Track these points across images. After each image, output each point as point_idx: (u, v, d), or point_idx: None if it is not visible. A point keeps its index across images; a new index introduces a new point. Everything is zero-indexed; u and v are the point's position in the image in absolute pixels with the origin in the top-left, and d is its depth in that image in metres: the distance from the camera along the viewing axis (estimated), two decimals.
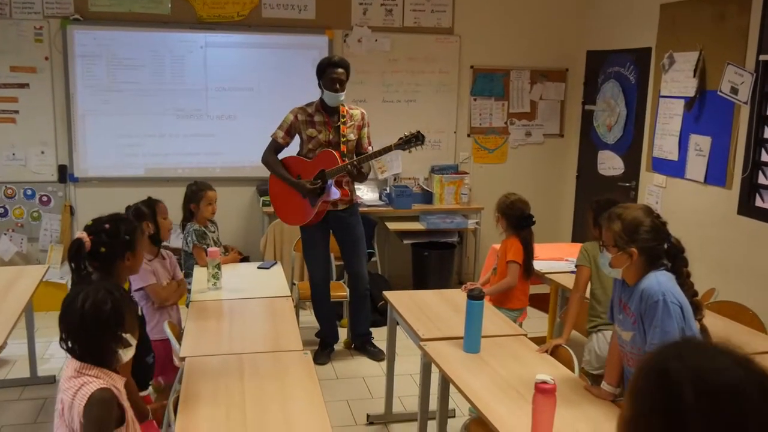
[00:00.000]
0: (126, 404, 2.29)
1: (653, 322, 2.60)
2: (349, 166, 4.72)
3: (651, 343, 2.60)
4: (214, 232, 4.71)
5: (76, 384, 2.19)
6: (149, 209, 3.84)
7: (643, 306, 2.64)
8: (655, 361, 1.23)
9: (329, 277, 5.23)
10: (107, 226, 2.82)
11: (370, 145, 4.99)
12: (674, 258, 2.72)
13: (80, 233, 2.78)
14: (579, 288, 3.81)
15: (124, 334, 2.28)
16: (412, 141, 4.76)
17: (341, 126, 4.85)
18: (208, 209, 4.61)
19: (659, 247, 2.69)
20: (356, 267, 5.11)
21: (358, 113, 4.94)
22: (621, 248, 2.71)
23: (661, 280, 2.64)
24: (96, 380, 2.20)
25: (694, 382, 1.14)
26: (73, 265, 2.76)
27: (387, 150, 4.78)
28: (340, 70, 4.77)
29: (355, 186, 5.17)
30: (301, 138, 4.92)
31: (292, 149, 5.08)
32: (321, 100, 4.86)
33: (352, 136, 4.89)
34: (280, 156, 5.01)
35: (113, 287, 2.35)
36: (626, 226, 2.70)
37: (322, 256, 5.10)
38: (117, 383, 2.27)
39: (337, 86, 4.76)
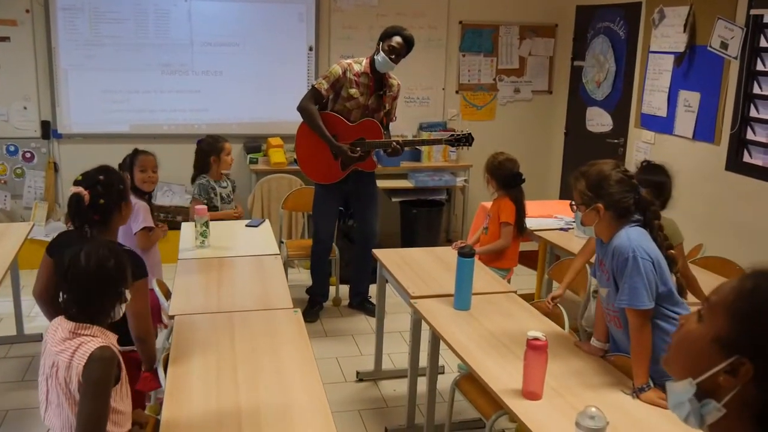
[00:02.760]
0: (121, 362, 2.28)
1: (623, 278, 2.60)
2: (395, 144, 4.74)
3: (620, 299, 2.60)
4: (226, 187, 4.74)
5: (73, 345, 2.18)
6: (129, 159, 3.88)
7: (615, 263, 2.63)
8: (749, 278, 1.19)
9: (333, 235, 5.24)
10: (101, 177, 2.81)
11: (395, 116, 5.01)
12: (644, 211, 2.69)
13: (75, 188, 2.76)
14: (585, 253, 3.62)
15: (125, 290, 2.31)
16: (462, 140, 4.88)
17: (383, 97, 4.81)
18: (227, 159, 4.67)
19: (626, 200, 2.66)
20: (371, 223, 5.11)
21: (395, 84, 4.90)
22: (588, 205, 2.69)
23: (632, 236, 2.62)
24: (94, 339, 2.19)
25: None
26: (76, 221, 2.76)
27: (437, 142, 5.08)
28: (403, 42, 4.68)
29: None
30: (339, 94, 4.78)
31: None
32: (372, 63, 4.76)
33: (387, 107, 4.88)
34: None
35: (110, 243, 2.38)
36: (590, 182, 2.69)
37: (332, 213, 5.11)
38: (113, 341, 2.27)
39: (393, 56, 4.68)
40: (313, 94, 4.76)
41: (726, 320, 1.16)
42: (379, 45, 4.72)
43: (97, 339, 2.20)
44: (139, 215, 3.70)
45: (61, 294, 2.28)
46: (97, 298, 2.25)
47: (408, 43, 4.71)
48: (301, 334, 2.90)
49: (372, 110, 4.80)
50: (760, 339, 1.12)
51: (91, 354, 2.14)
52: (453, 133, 4.92)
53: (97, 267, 2.23)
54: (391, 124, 5.03)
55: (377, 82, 4.79)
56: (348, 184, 4.94)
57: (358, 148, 4.75)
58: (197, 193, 4.63)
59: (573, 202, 2.78)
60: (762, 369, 1.11)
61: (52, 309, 3.05)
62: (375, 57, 4.73)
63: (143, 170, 3.86)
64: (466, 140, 4.86)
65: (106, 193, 2.79)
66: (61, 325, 2.26)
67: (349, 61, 4.82)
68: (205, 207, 4.17)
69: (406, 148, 4.96)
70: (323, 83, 4.73)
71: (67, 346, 2.18)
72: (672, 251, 2.71)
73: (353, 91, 4.74)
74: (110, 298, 2.28)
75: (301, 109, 4.76)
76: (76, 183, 2.80)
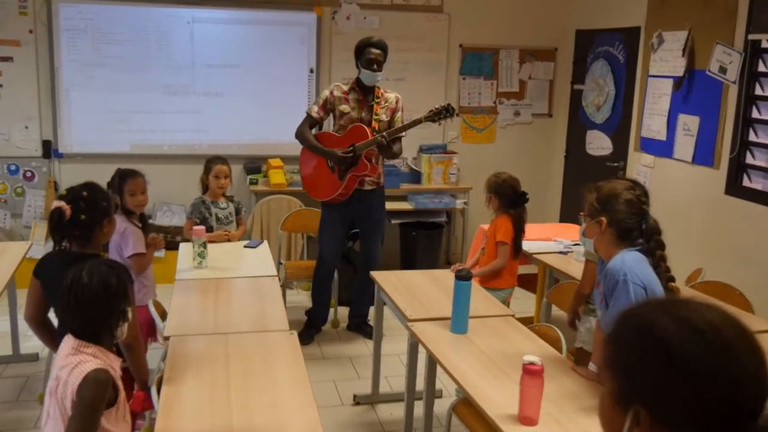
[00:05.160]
0: (120, 385, 2.30)
1: (612, 300, 2.58)
2: (379, 138, 4.69)
3: (608, 322, 2.58)
4: (224, 208, 4.71)
5: (74, 361, 2.19)
6: (118, 181, 3.82)
7: (606, 284, 2.62)
8: (612, 328, 1.21)
9: (338, 259, 5.23)
10: (85, 193, 2.83)
11: (402, 128, 4.97)
12: (648, 239, 2.67)
13: (57, 202, 2.77)
14: (584, 286, 3.55)
15: (127, 308, 2.33)
16: (442, 113, 4.77)
17: (375, 105, 4.85)
18: (215, 182, 4.65)
19: (630, 222, 2.65)
20: (371, 248, 5.12)
21: (392, 97, 4.95)
22: (593, 217, 2.70)
23: (626, 259, 2.60)
24: (93, 359, 2.21)
25: (677, 325, 1.13)
26: (56, 236, 2.77)
27: (416, 122, 4.76)
28: (377, 50, 4.77)
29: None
30: (334, 115, 4.92)
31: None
32: (358, 79, 4.87)
33: (384, 117, 4.89)
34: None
35: (111, 262, 2.41)
36: (601, 196, 2.70)
37: (337, 236, 5.10)
38: (113, 363, 2.29)
39: (374, 66, 4.75)
40: (307, 119, 4.92)
41: (610, 376, 1.20)
42: (357, 65, 4.83)
43: (96, 360, 2.21)
44: (129, 241, 3.67)
45: (60, 312, 2.29)
46: (100, 316, 2.27)
47: (382, 48, 4.80)
48: (297, 357, 2.88)
49: (366, 122, 4.84)
50: (640, 383, 1.15)
51: (86, 375, 2.15)
52: (431, 109, 4.80)
53: (100, 284, 2.25)
54: (402, 145, 5.00)
55: (367, 96, 4.87)
56: (354, 205, 4.95)
57: (351, 150, 4.77)
58: (189, 213, 4.65)
59: (582, 213, 2.80)
60: (657, 411, 1.12)
61: (45, 331, 3.04)
62: (359, 77, 4.84)
63: (133, 194, 3.79)
64: (446, 111, 4.77)
65: (88, 209, 2.80)
66: (68, 340, 2.28)
67: (337, 83, 4.97)
68: (203, 228, 4.16)
69: (393, 147, 4.85)
70: (314, 107, 4.91)
71: (68, 362, 2.20)
72: (674, 284, 2.70)
73: (344, 107, 4.84)
74: (113, 316, 2.30)
75: (296, 134, 4.93)
76: (60, 198, 2.82)
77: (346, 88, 4.89)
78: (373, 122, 4.84)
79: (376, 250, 5.14)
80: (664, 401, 1.12)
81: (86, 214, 2.80)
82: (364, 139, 4.76)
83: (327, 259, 5.11)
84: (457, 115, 6.80)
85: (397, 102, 4.96)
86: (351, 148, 4.78)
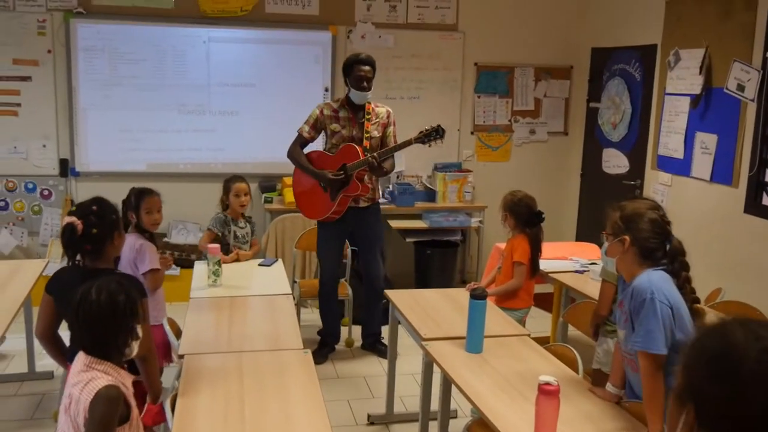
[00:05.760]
0: (132, 402, 2.29)
1: (638, 319, 2.54)
2: (370, 158, 4.66)
3: (634, 341, 2.54)
4: (243, 227, 4.72)
5: (85, 378, 2.19)
6: (135, 199, 3.82)
7: (633, 304, 2.59)
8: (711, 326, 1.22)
9: (339, 276, 5.21)
10: (94, 208, 2.86)
11: (395, 143, 4.97)
12: (672, 260, 2.65)
13: (68, 218, 2.80)
14: (602, 307, 3.62)
15: (136, 326, 2.32)
16: (432, 135, 4.73)
17: (365, 122, 4.83)
18: (235, 201, 4.65)
19: (654, 242, 2.63)
20: (372, 265, 5.07)
21: (383, 111, 4.92)
22: (616, 236, 2.67)
23: (652, 279, 2.57)
24: (105, 376, 2.21)
25: (748, 341, 1.13)
26: (69, 251, 2.78)
27: (407, 144, 4.74)
28: (366, 67, 4.75)
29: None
30: (326, 133, 4.91)
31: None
32: (347, 96, 4.85)
33: (376, 134, 4.87)
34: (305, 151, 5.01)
35: (123, 278, 2.42)
36: (624, 215, 2.68)
37: (335, 254, 5.08)
38: (125, 380, 2.29)
39: (364, 84, 4.74)
40: (297, 139, 4.92)
41: (679, 377, 1.23)
42: (346, 82, 4.82)
43: (108, 376, 2.21)
44: (146, 257, 3.65)
45: (70, 328, 2.29)
46: (108, 333, 2.26)
47: (370, 64, 4.78)
48: (311, 376, 2.86)
49: (358, 140, 4.82)
50: (695, 383, 1.17)
51: (98, 392, 2.15)
52: (422, 130, 4.76)
53: (108, 302, 2.25)
54: (398, 162, 4.98)
55: (357, 114, 4.85)
56: (349, 223, 4.94)
57: (341, 172, 4.75)
58: (212, 225, 4.62)
59: (605, 231, 2.78)
60: (701, 410, 1.14)
61: (55, 347, 3.04)
62: (349, 96, 4.82)
63: (149, 212, 3.79)
64: (436, 133, 4.72)
65: (99, 223, 2.82)
66: (80, 357, 2.29)
67: (327, 101, 4.98)
68: (218, 246, 4.16)
69: (385, 165, 4.80)
70: (304, 127, 4.89)
71: (80, 379, 2.21)
72: (699, 305, 2.66)
73: (334, 126, 4.84)
74: (122, 333, 2.29)
75: (288, 155, 4.93)
76: (70, 213, 2.84)
77: (335, 106, 4.87)
78: (365, 140, 4.82)
79: (376, 265, 5.09)
80: (707, 407, 1.14)
81: (97, 228, 2.82)
82: (355, 158, 4.74)
83: (326, 279, 5.08)
84: (472, 133, 6.83)
85: (388, 116, 4.93)
86: (341, 169, 4.77)
